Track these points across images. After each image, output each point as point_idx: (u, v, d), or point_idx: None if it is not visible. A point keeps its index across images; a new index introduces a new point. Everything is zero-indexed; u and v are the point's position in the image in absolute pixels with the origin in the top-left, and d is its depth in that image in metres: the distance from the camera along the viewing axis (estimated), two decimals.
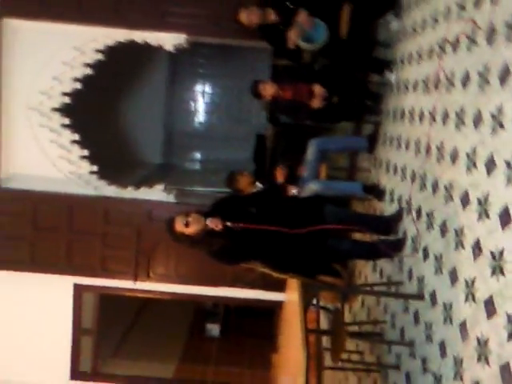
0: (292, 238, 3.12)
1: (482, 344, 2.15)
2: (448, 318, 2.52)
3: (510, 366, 1.93)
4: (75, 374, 5.64)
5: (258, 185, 4.26)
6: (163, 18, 4.87)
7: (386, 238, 3.49)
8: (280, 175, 4.30)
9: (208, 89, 8.02)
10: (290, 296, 3.32)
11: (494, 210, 2.16)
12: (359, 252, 3.55)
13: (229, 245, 3.13)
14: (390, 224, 3.43)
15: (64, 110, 5.13)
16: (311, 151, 4.18)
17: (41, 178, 5.27)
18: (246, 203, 3.32)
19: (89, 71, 5.00)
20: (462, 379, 2.33)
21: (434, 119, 2.97)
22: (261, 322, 7.07)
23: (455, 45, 2.74)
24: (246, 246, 3.18)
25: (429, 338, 2.75)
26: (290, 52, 4.07)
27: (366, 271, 4.16)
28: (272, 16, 4.00)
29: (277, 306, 4.46)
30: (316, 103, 4.01)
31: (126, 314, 7.64)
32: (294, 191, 4.04)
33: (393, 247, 3.32)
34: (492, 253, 2.14)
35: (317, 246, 3.23)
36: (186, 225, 3.01)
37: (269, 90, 4.13)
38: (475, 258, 2.30)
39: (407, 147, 3.44)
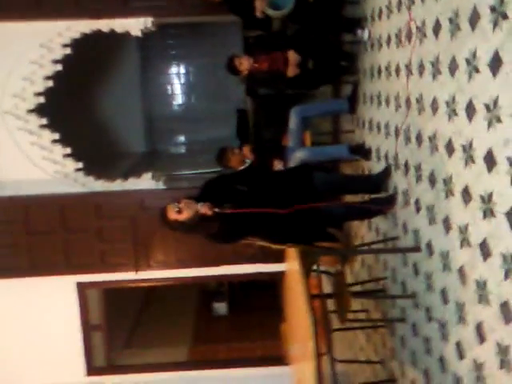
0: (283, 217, 3.13)
1: (481, 286, 2.20)
2: (446, 266, 2.57)
3: (509, 303, 1.98)
4: (91, 369, 5.70)
5: (247, 161, 4.26)
6: (126, 3, 4.76)
7: (377, 196, 3.52)
8: (247, 152, 4.26)
9: (182, 70, 7.91)
10: (291, 265, 3.35)
11: (479, 155, 2.18)
12: (352, 214, 3.58)
13: (224, 226, 3.14)
14: (379, 182, 3.46)
15: (40, 111, 5.05)
16: (293, 120, 4.17)
17: (27, 181, 5.22)
18: (234, 182, 3.32)
19: (59, 67, 4.91)
20: (465, 322, 2.39)
21: (410, 72, 2.96)
22: (266, 295, 7.15)
23: None
24: (240, 227, 3.20)
25: (430, 288, 2.80)
26: (259, 21, 4.02)
27: (362, 231, 4.20)
28: None
29: (279, 277, 4.51)
30: (291, 71, 3.99)
31: (133, 305, 7.69)
32: (279, 166, 4.05)
33: (385, 204, 3.35)
34: (481, 196, 2.17)
35: (309, 218, 3.25)
36: (179, 212, 3.01)
37: (245, 63, 4.09)
38: (466, 204, 2.33)
39: (387, 103, 3.44)
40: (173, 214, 3.02)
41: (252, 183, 3.32)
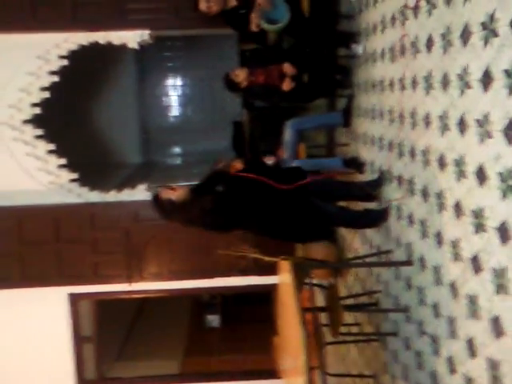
0: (279, 194, 3.13)
1: (473, 300, 2.20)
2: (438, 280, 2.57)
3: (499, 318, 1.98)
4: (81, 382, 5.64)
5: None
6: (123, 16, 4.80)
7: (371, 209, 3.54)
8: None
9: (179, 82, 7.96)
10: (283, 278, 3.35)
11: (471, 170, 2.19)
12: (345, 217, 3.56)
13: (220, 198, 3.10)
14: (372, 190, 3.46)
15: (36, 121, 5.05)
16: (288, 133, 4.19)
17: (22, 192, 5.21)
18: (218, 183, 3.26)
19: (56, 79, 4.93)
20: (456, 337, 2.38)
21: (403, 86, 2.99)
22: (259, 308, 7.11)
23: (416, 10, 2.75)
24: (236, 199, 3.15)
25: (422, 302, 2.80)
26: (254, 35, 4.05)
27: (356, 244, 4.20)
28: (231, 1, 3.97)
29: (272, 289, 4.50)
30: (287, 86, 4.02)
31: (125, 317, 7.64)
32: (270, 161, 4.03)
33: (378, 216, 3.36)
34: (473, 211, 2.18)
35: (303, 203, 3.25)
36: (172, 189, 3.02)
37: (241, 75, 4.13)
38: (458, 219, 2.33)
39: (381, 117, 3.46)
40: (166, 193, 3.02)
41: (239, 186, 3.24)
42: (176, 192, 3.01)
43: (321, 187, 3.36)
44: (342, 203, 3.80)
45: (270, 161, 4.05)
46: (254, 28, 3.87)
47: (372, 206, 3.57)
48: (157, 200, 3.07)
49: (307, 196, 3.27)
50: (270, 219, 3.24)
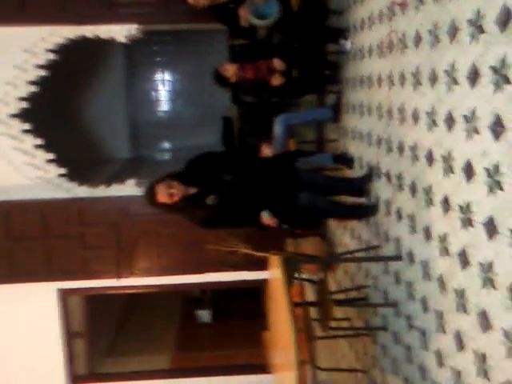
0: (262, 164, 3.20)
1: (460, 295, 2.23)
2: (426, 275, 2.60)
3: (486, 312, 2.01)
4: (72, 378, 5.63)
5: None
6: (111, 9, 4.76)
7: (360, 204, 3.56)
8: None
9: (168, 76, 7.91)
10: (274, 273, 3.36)
11: (458, 165, 2.21)
12: (334, 210, 3.58)
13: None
14: (361, 185, 3.49)
15: (23, 116, 5.00)
16: (277, 128, 4.19)
17: (9, 187, 5.16)
18: (219, 169, 3.25)
19: (43, 72, 4.88)
20: (444, 331, 2.41)
21: (392, 82, 3.00)
22: (250, 303, 7.14)
23: (403, 6, 2.76)
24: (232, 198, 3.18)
25: (411, 296, 2.83)
26: (244, 30, 4.04)
27: (345, 239, 4.22)
28: None
29: (262, 284, 4.51)
30: (276, 81, 4.02)
31: (115, 312, 7.62)
32: (267, 151, 3.99)
33: (367, 212, 3.39)
34: (460, 206, 2.20)
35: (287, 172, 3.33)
36: (170, 196, 2.99)
37: (230, 69, 4.12)
38: (445, 214, 2.36)
39: (370, 113, 3.48)
40: (163, 197, 2.99)
41: (237, 171, 3.25)
42: (172, 200, 3.00)
43: (310, 182, 3.38)
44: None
45: (266, 150, 3.99)
46: (243, 23, 3.86)
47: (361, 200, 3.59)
48: (151, 197, 3.04)
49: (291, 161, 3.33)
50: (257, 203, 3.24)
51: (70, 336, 5.56)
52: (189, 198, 3.05)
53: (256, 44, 4.37)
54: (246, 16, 3.83)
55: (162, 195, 2.98)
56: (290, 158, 3.57)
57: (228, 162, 3.37)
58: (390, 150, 3.10)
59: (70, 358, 5.59)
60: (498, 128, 1.88)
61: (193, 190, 3.06)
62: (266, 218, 3.16)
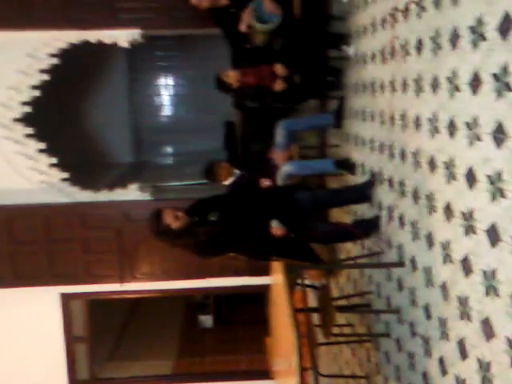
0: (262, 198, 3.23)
1: (463, 302, 2.22)
2: (429, 282, 2.59)
3: (490, 320, 2.00)
4: (74, 382, 5.62)
5: (236, 172, 4.18)
6: (114, 15, 4.78)
7: (362, 219, 3.56)
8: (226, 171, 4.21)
9: (170, 81, 7.94)
10: (276, 278, 3.35)
11: (460, 172, 2.21)
12: (336, 236, 3.61)
13: (214, 234, 3.15)
14: (365, 191, 3.48)
15: (26, 120, 5.03)
16: (279, 134, 4.19)
17: (12, 191, 5.18)
18: (214, 208, 3.30)
19: (46, 77, 4.90)
20: (448, 338, 2.40)
21: (394, 88, 3.00)
22: (252, 308, 7.13)
23: (405, 12, 2.76)
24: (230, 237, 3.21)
25: (414, 303, 2.81)
26: (238, 36, 4.04)
27: (348, 245, 4.21)
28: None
29: (264, 290, 4.51)
30: (278, 86, 4.02)
31: (118, 317, 7.62)
32: (267, 183, 4.02)
33: (368, 227, 3.38)
34: (463, 213, 2.19)
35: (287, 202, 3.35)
36: (176, 218, 3.01)
37: (232, 75, 4.12)
38: (448, 221, 2.35)
39: (372, 119, 3.48)
40: (169, 219, 3.01)
41: (232, 209, 3.31)
42: (179, 222, 3.02)
43: (313, 201, 3.40)
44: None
45: (266, 182, 4.02)
46: (243, 27, 3.86)
47: (363, 209, 3.58)
48: (157, 218, 3.06)
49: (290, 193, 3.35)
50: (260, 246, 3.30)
51: (71, 340, 5.56)
52: (192, 224, 3.09)
53: (258, 49, 4.37)
54: (248, 20, 3.83)
55: (168, 216, 3.01)
56: (288, 191, 3.58)
57: (227, 201, 3.46)
58: (392, 156, 3.10)
59: (72, 363, 5.59)
60: (499, 135, 1.88)
61: (196, 219, 3.12)
62: (276, 227, 3.18)
